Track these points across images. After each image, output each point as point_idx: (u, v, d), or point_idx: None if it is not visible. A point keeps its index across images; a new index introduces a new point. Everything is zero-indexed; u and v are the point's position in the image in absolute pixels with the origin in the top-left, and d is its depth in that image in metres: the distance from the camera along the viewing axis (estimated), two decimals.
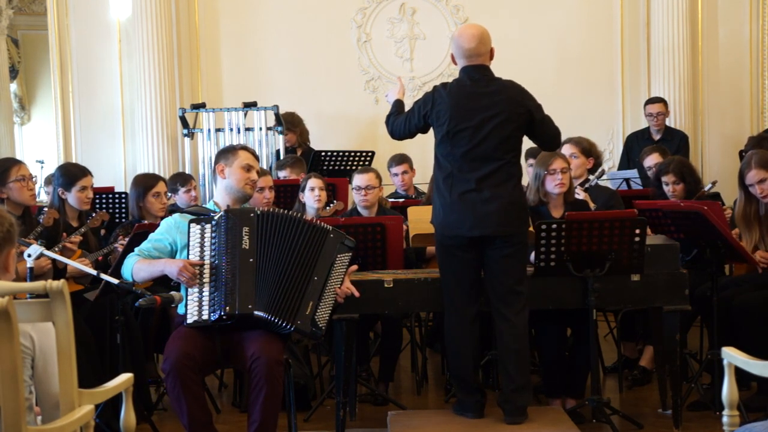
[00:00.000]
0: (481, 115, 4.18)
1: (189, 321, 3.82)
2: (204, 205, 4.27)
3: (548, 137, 4.37)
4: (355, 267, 4.09)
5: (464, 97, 4.23)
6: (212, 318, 3.79)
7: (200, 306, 3.82)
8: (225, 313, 3.76)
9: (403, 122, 4.42)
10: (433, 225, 4.36)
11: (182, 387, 3.68)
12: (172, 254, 4.03)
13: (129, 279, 3.95)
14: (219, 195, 4.18)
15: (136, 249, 4.04)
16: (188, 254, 3.89)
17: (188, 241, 3.90)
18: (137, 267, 3.94)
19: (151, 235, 4.10)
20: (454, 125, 4.19)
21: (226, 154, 4.19)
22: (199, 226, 3.90)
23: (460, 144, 4.20)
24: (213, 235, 3.87)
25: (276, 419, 3.76)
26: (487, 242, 4.21)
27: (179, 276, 3.82)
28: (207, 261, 3.85)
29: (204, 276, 3.84)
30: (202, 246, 3.87)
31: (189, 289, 3.85)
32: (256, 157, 4.27)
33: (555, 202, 4.93)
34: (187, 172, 7.99)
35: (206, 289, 3.83)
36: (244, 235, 3.84)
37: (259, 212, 3.91)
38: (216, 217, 3.89)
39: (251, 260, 3.82)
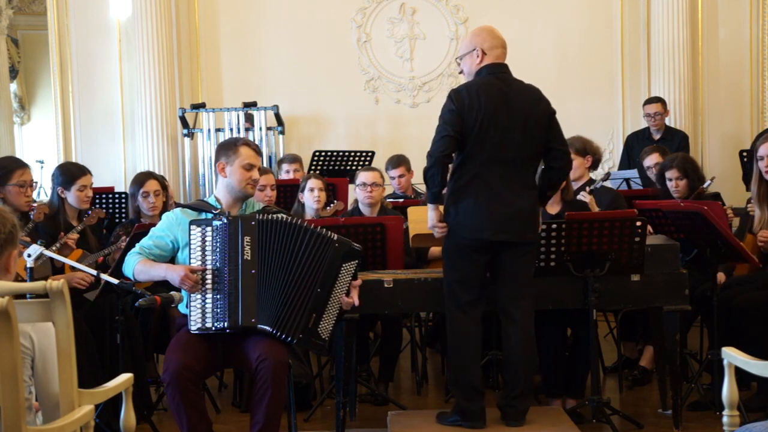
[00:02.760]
0: (510, 115, 4.08)
1: (193, 329, 3.79)
2: (205, 199, 4.20)
3: (562, 153, 4.21)
4: (359, 281, 4.00)
5: (494, 97, 4.10)
6: (215, 328, 3.77)
7: (203, 314, 3.78)
8: (227, 326, 3.74)
9: (437, 134, 4.08)
10: (449, 225, 4.15)
11: (182, 399, 3.67)
12: (174, 251, 3.99)
13: (130, 277, 3.94)
14: (220, 191, 4.08)
15: (137, 245, 4.00)
16: (189, 255, 3.86)
17: (189, 242, 3.86)
18: (138, 269, 3.91)
19: (153, 230, 4.05)
20: (485, 126, 4.05)
21: (227, 150, 4.05)
22: (199, 229, 3.83)
23: (487, 145, 4.07)
24: (214, 241, 3.81)
25: (279, 421, 3.75)
26: (506, 247, 4.13)
27: (181, 284, 3.78)
28: (209, 267, 3.80)
29: (206, 282, 3.79)
30: (203, 250, 3.81)
31: (191, 295, 3.81)
32: (258, 152, 4.14)
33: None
34: (186, 172, 8.04)
35: (209, 296, 3.79)
36: (245, 244, 3.78)
37: (260, 219, 3.84)
38: (217, 223, 3.84)
39: (253, 272, 3.77)
